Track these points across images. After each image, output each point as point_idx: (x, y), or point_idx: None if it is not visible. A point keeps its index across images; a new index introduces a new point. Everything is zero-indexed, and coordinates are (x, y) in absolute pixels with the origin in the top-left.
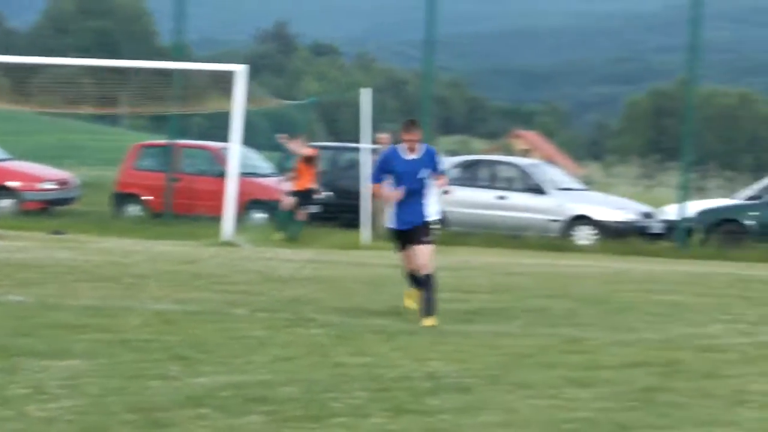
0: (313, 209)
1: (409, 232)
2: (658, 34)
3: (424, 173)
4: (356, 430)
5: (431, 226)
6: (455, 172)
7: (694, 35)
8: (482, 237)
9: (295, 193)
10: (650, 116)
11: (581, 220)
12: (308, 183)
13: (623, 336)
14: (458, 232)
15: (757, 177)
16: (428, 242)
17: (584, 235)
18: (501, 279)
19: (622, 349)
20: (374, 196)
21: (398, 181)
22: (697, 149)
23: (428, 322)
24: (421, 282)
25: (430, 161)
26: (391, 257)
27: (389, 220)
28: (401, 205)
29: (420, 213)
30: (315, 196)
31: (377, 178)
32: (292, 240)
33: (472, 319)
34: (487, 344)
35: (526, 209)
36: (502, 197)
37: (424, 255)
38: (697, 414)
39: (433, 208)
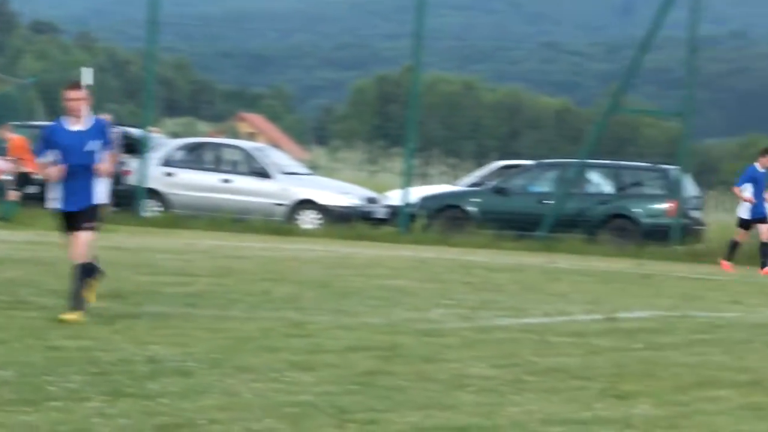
0: (30, 190)
1: (76, 215)
2: (384, 21)
3: (92, 146)
4: (73, 414)
5: (98, 210)
6: (179, 155)
7: (419, 22)
8: (206, 220)
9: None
10: (376, 102)
11: (306, 204)
12: (23, 167)
13: (346, 320)
14: (182, 215)
15: (480, 164)
16: (90, 228)
17: (309, 220)
18: (224, 262)
19: (344, 332)
20: (40, 173)
21: (63, 156)
22: (421, 136)
23: (71, 316)
24: (76, 272)
25: (98, 134)
26: (108, 238)
27: (54, 200)
28: (68, 183)
29: (88, 194)
30: (32, 177)
31: (40, 153)
32: (5, 221)
33: (195, 302)
34: (209, 328)
35: (251, 193)
36: (226, 180)
37: (81, 243)
38: (416, 397)
39: (102, 189)
